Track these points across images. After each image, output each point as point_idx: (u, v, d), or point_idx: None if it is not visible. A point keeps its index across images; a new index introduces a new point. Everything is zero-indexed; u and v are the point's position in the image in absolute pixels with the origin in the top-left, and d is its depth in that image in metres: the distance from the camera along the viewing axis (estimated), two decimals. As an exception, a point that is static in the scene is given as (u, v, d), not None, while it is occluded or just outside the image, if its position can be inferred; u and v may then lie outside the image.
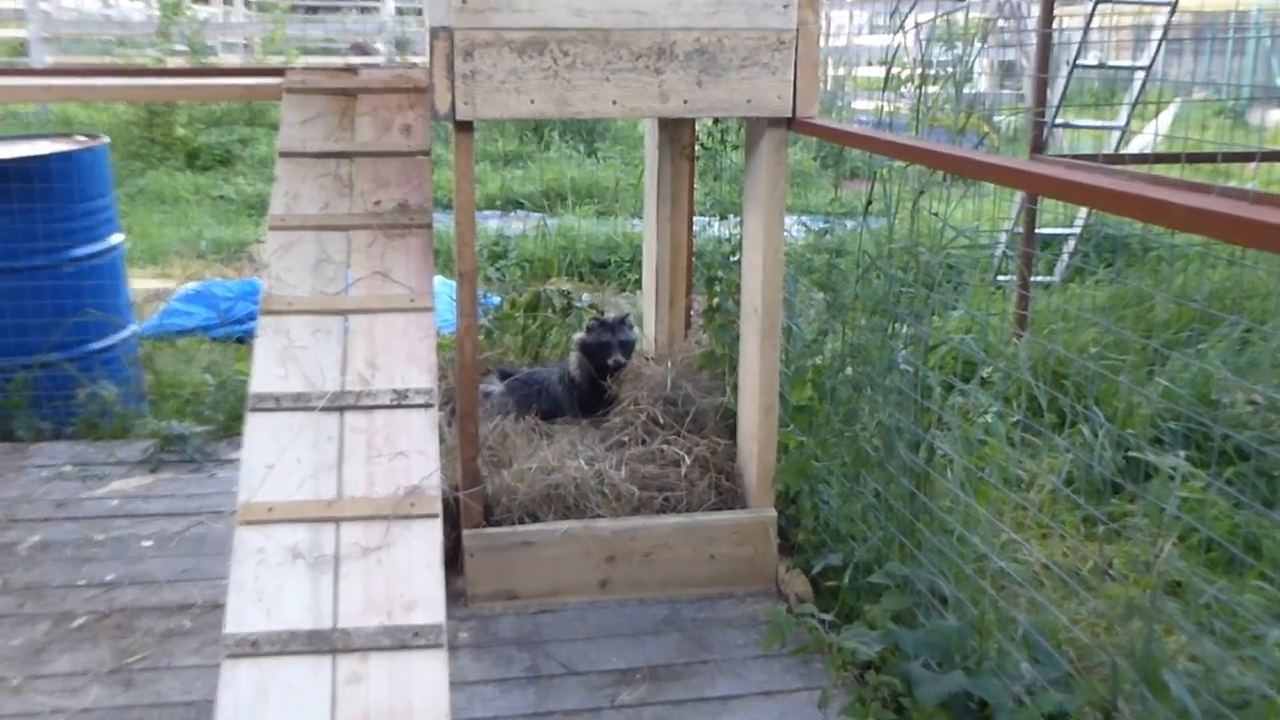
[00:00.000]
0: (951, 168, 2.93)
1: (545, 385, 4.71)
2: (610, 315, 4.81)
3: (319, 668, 2.27)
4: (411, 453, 2.70)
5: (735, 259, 4.53)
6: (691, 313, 5.04)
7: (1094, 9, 6.81)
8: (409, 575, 2.43)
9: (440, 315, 6.22)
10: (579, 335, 4.69)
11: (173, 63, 12.36)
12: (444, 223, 7.39)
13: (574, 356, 4.67)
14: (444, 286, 6.82)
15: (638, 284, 7.42)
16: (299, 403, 2.79)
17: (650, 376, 4.51)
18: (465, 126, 3.43)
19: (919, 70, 3.80)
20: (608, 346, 4.58)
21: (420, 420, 2.79)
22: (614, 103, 3.44)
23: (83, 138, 5.57)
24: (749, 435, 3.94)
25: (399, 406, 2.81)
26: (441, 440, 3.74)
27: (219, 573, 3.82)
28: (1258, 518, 3.83)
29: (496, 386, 4.74)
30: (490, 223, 9.32)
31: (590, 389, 4.60)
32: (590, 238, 8.77)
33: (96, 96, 5.33)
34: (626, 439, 4.22)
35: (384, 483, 2.62)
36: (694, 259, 4.99)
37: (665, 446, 4.13)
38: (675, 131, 4.80)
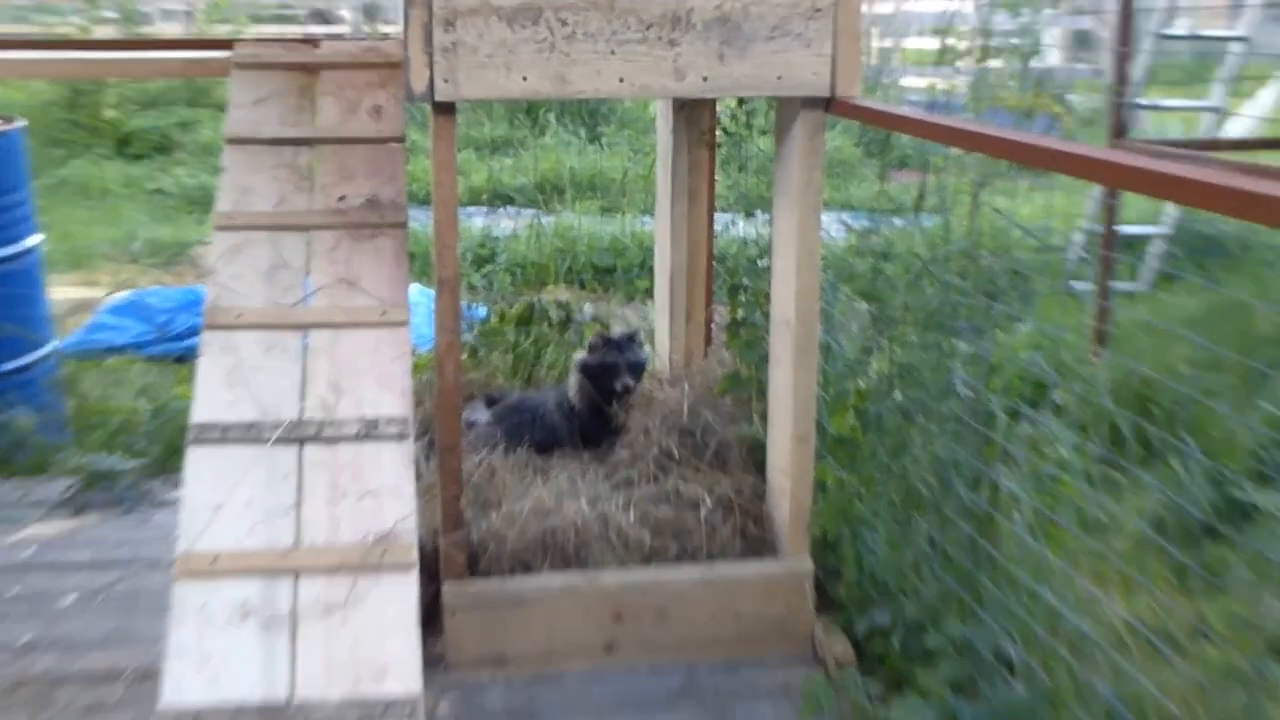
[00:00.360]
0: (1017, 156, 2.94)
1: (540, 413, 4.71)
2: (617, 331, 4.82)
3: (273, 746, 2.27)
4: (383, 492, 2.70)
5: (764, 264, 4.53)
6: (712, 327, 5.04)
7: (1184, -31, 6.84)
8: (379, 637, 2.43)
9: (417, 330, 6.21)
10: (580, 355, 4.70)
11: (100, 33, 12.41)
12: (421, 221, 7.41)
13: (574, 380, 4.67)
14: (421, 296, 6.85)
15: (649, 293, 7.42)
16: (250, 434, 2.79)
17: (663, 402, 4.51)
18: (446, 108, 3.44)
19: (979, 41, 3.82)
20: (614, 368, 4.57)
21: (393, 454, 2.79)
22: (620, 80, 3.46)
23: (-5, 121, 5.59)
24: (780, 471, 3.94)
25: (368, 438, 2.81)
26: (418, 477, 3.74)
27: (154, 634, 3.78)
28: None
29: (482, 414, 4.74)
30: (475, 221, 9.34)
31: (593, 417, 4.60)
32: (593, 238, 8.80)
33: (10, 73, 5.36)
34: (636, 476, 4.22)
35: (350, 528, 2.62)
36: (715, 264, 5.00)
37: (681, 485, 4.12)
38: (692, 114, 4.81)
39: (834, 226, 5.89)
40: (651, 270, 5.59)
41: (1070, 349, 5.36)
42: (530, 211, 9.47)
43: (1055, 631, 3.17)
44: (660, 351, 5.11)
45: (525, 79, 3.41)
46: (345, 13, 16.59)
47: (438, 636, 3.74)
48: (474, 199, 10.35)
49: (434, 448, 3.89)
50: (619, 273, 8.46)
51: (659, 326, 5.18)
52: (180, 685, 2.33)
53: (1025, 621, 3.18)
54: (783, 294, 3.83)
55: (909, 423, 3.77)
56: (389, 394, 2.92)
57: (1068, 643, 3.13)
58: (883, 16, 15.93)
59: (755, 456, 4.26)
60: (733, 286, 4.77)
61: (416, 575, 2.56)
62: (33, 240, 5.48)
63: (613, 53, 3.44)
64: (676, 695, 3.65)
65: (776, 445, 3.96)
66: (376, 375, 2.96)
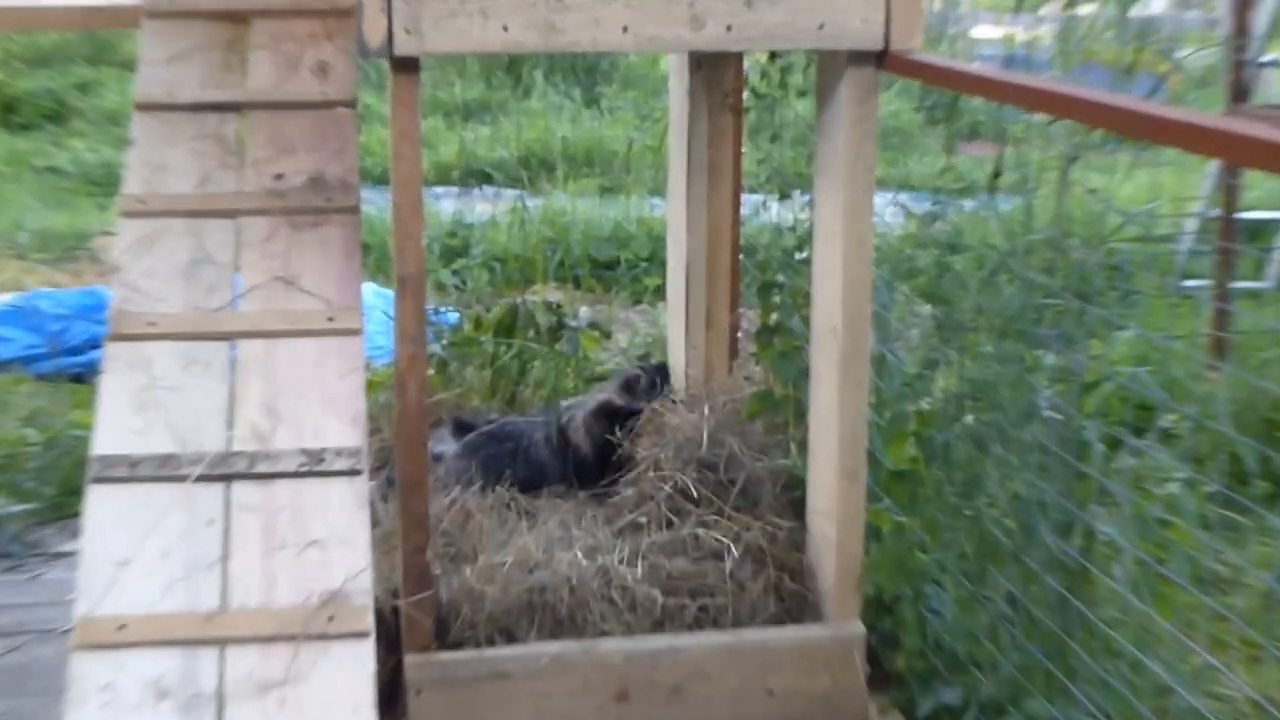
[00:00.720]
0: (1115, 125, 2.94)
1: (524, 444, 4.73)
2: (644, 365, 4.88)
3: None
4: (330, 542, 2.70)
5: (802, 257, 4.53)
6: (738, 335, 5.04)
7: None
8: (326, 722, 2.43)
9: (372, 340, 6.20)
10: (605, 395, 4.76)
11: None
12: (377, 205, 7.40)
13: (582, 419, 4.72)
14: (377, 298, 6.83)
15: (659, 293, 7.42)
16: (165, 469, 2.79)
17: (678, 428, 4.51)
18: (408, 65, 3.44)
19: (1067, -18, 3.82)
20: (638, 414, 4.66)
21: (343, 494, 2.79)
22: (624, 30, 3.46)
23: None
24: (823, 514, 3.94)
25: (312, 474, 2.81)
26: (375, 523, 3.74)
27: (47, 719, 3.80)
28: None
29: (452, 445, 4.74)
30: (445, 204, 9.34)
31: (593, 450, 4.64)
32: (590, 226, 8.79)
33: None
34: (645, 520, 4.23)
35: (290, 586, 2.62)
36: (742, 257, 5.00)
37: (701, 531, 4.13)
38: (714, 72, 4.82)
39: (889, 210, 5.89)
40: (663, 265, 5.59)
41: (1182, 362, 5.35)
42: (512, 193, 9.43)
43: (1165, 711, 3.16)
44: (674, 365, 5.11)
45: (506, 28, 3.41)
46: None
47: (399, 720, 3.75)
48: (442, 177, 10.33)
49: (394, 486, 3.89)
50: (622, 268, 8.45)
51: (672, 334, 5.18)
52: (79, 783, 2.33)
53: (1128, 700, 3.18)
54: (826, 294, 3.83)
55: (983, 454, 3.76)
56: (337, 419, 2.91)
57: (1181, 726, 3.13)
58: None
59: (792, 496, 4.27)
60: (764, 285, 4.77)
61: (372, 645, 2.55)
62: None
63: (614, -4, 3.45)
64: (695, 793, 3.65)
65: (819, 482, 3.96)
66: (322, 396, 2.96)
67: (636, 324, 7.29)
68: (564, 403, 4.99)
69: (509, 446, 4.71)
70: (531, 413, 5.08)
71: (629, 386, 4.74)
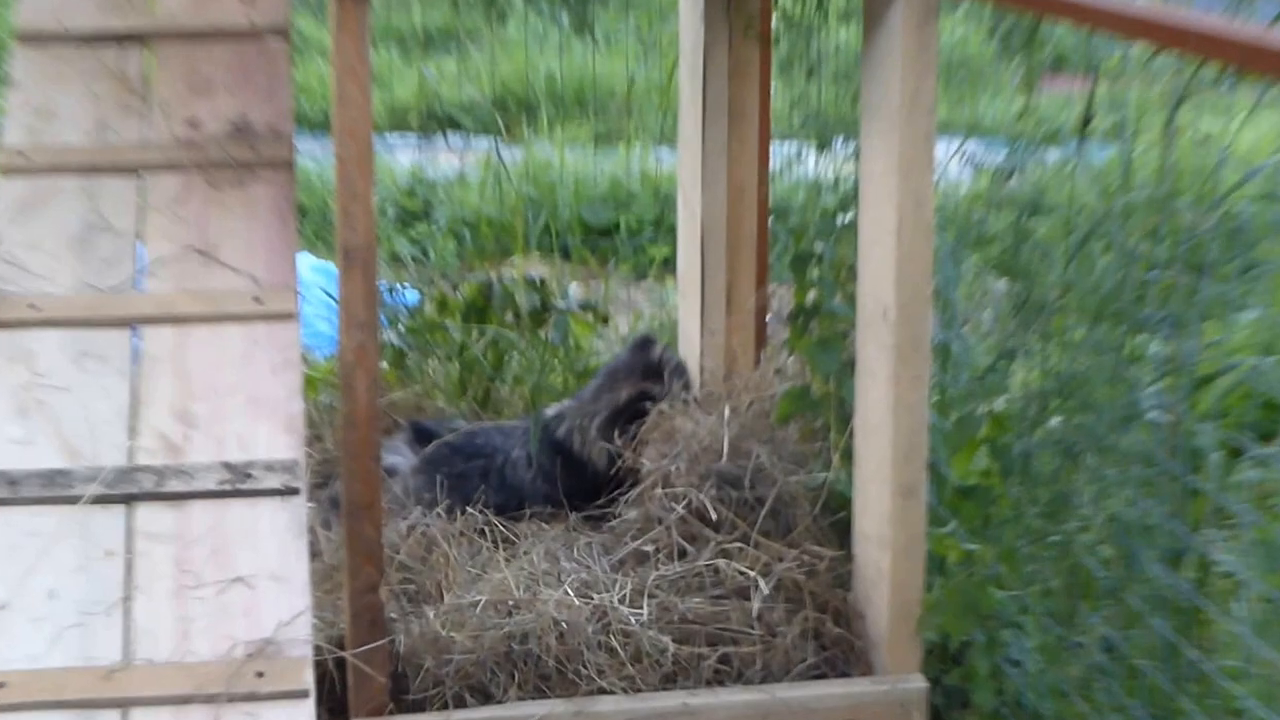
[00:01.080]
0: (1233, 58, 2.92)
1: (499, 458, 4.73)
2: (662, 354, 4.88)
3: None
4: (259, 579, 2.69)
5: (847, 220, 4.52)
6: (767, 319, 5.04)
7: None
8: (254, 803, 2.43)
9: (310, 326, 6.20)
10: (627, 389, 4.76)
11: None
12: (315, 157, 7.39)
13: (599, 426, 4.72)
14: (316, 274, 6.83)
15: (668, 266, 7.42)
16: (53, 488, 2.78)
17: (693, 435, 4.51)
18: (353, -15, 3.44)
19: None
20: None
21: (274, 519, 2.78)
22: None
23: None
24: (874, 541, 3.94)
25: (236, 494, 2.80)
26: (314, 555, 3.73)
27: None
28: None
29: (409, 457, 4.74)
30: (401, 156, 9.34)
31: (589, 465, 4.66)
32: (582, 183, 8.78)
33: None
34: (651, 549, 4.23)
35: (209, 634, 2.61)
36: (771, 221, 5.00)
37: (722, 563, 4.13)
38: (734, -9, 4.83)
39: (955, 164, 5.88)
40: (672, 231, 5.59)
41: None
42: (485, 142, 9.45)
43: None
44: (687, 356, 5.11)
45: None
46: None
47: (347, 800, 3.75)
48: (398, 123, 10.33)
49: (338, 508, 3.88)
50: (622, 235, 8.45)
51: (684, 317, 5.18)
52: None
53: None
54: (876, 267, 3.83)
55: (1072, 465, 3.76)
56: (268, 425, 2.91)
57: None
58: None
59: (835, 518, 4.27)
60: (799, 256, 4.75)
61: (312, 707, 2.54)
62: None
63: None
64: None
65: (869, 501, 3.96)
66: (249, 397, 2.96)
67: (640, 305, 7.27)
68: (550, 409, 4.97)
69: (481, 462, 4.71)
70: (511, 422, 5.08)
71: (651, 370, 4.73)
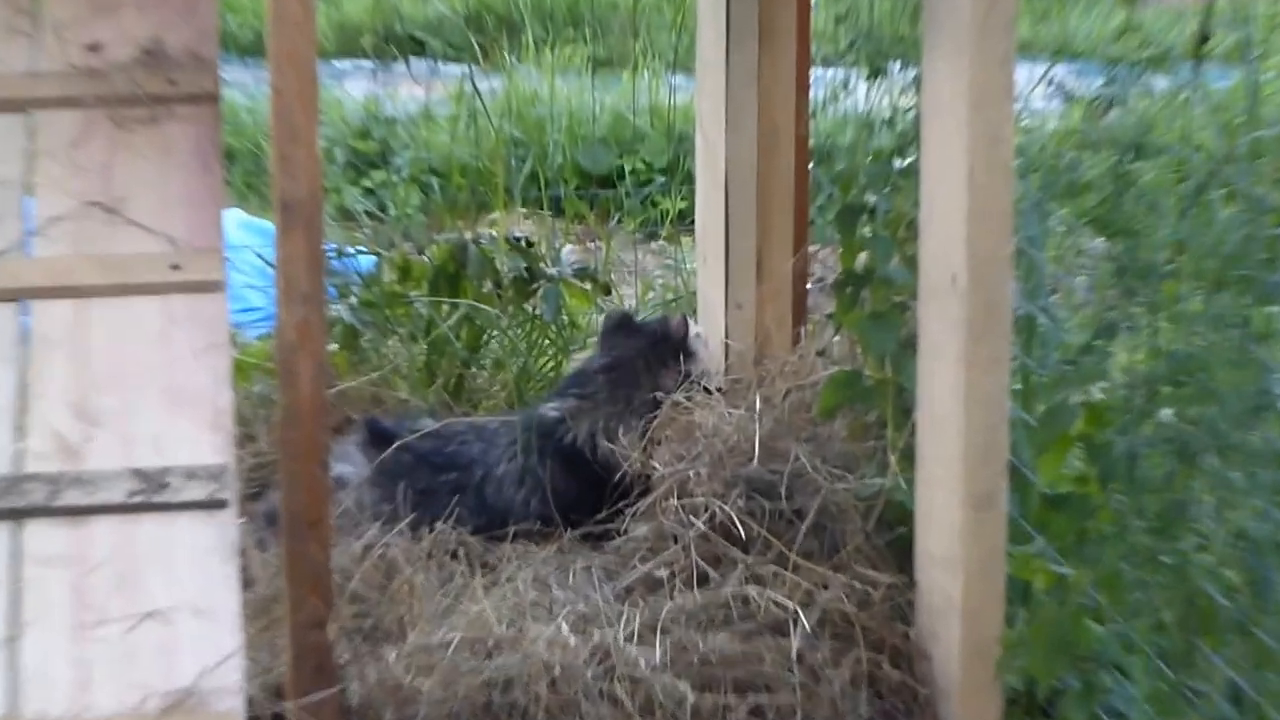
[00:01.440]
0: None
1: (478, 472, 4.73)
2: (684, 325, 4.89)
3: None
4: (178, 613, 2.69)
5: (906, 165, 4.51)
6: (808, 288, 5.03)
7: None
8: None
9: (240, 299, 6.20)
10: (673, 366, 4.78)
11: None
12: (247, 89, 7.39)
13: (609, 430, 4.74)
14: (248, 233, 6.83)
15: (685, 222, 7.42)
16: (-79, 501, 2.78)
17: (716, 432, 4.51)
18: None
19: None
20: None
21: (197, 538, 2.78)
22: None
23: None
24: (942, 563, 3.94)
25: (148, 507, 2.80)
26: (248, 584, 3.73)
27: None
28: None
29: (357, 466, 4.73)
30: (354, 87, 9.34)
31: (595, 475, 4.67)
32: (578, 120, 8.78)
33: None
34: (665, 573, 4.23)
35: (116, 681, 2.61)
36: (812, 166, 4.99)
37: (753, 590, 4.13)
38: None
39: (1038, 94, 5.87)
40: (690, 180, 5.59)
41: None
42: (456, 69, 9.45)
43: None
44: (708, 334, 5.11)
45: None
46: None
47: None
48: (348, 46, 10.35)
49: (276, 525, 3.88)
50: (627, 185, 8.45)
51: (704, 286, 5.19)
52: None
53: None
54: (943, 222, 3.82)
55: (1188, 469, 3.74)
56: (188, 423, 2.91)
57: None
58: None
59: (893, 535, 4.27)
60: (846, 209, 4.75)
61: (245, 773, 2.54)
62: None
63: None
64: None
65: (934, 513, 3.96)
66: (164, 387, 2.95)
67: (650, 271, 7.28)
68: (548, 407, 4.98)
69: (455, 475, 4.71)
70: (491, 418, 5.08)
71: (674, 350, 4.76)
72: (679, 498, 4.34)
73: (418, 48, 10.32)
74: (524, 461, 4.73)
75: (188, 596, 2.71)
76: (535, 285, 5.72)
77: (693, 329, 4.99)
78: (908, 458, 4.17)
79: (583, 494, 4.67)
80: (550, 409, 4.93)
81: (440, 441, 4.80)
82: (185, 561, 2.75)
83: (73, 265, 3.10)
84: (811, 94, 4.96)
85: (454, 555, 4.40)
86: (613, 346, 5.03)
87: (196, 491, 2.81)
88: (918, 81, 4.03)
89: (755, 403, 4.57)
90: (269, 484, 4.38)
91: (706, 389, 4.76)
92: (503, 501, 4.66)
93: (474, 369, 5.59)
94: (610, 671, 3.94)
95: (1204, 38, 3.92)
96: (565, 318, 5.82)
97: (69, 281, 3.07)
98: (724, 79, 4.89)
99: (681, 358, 4.84)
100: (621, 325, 5.04)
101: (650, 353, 4.86)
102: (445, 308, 5.65)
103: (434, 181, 7.83)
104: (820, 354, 4.77)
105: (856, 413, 4.51)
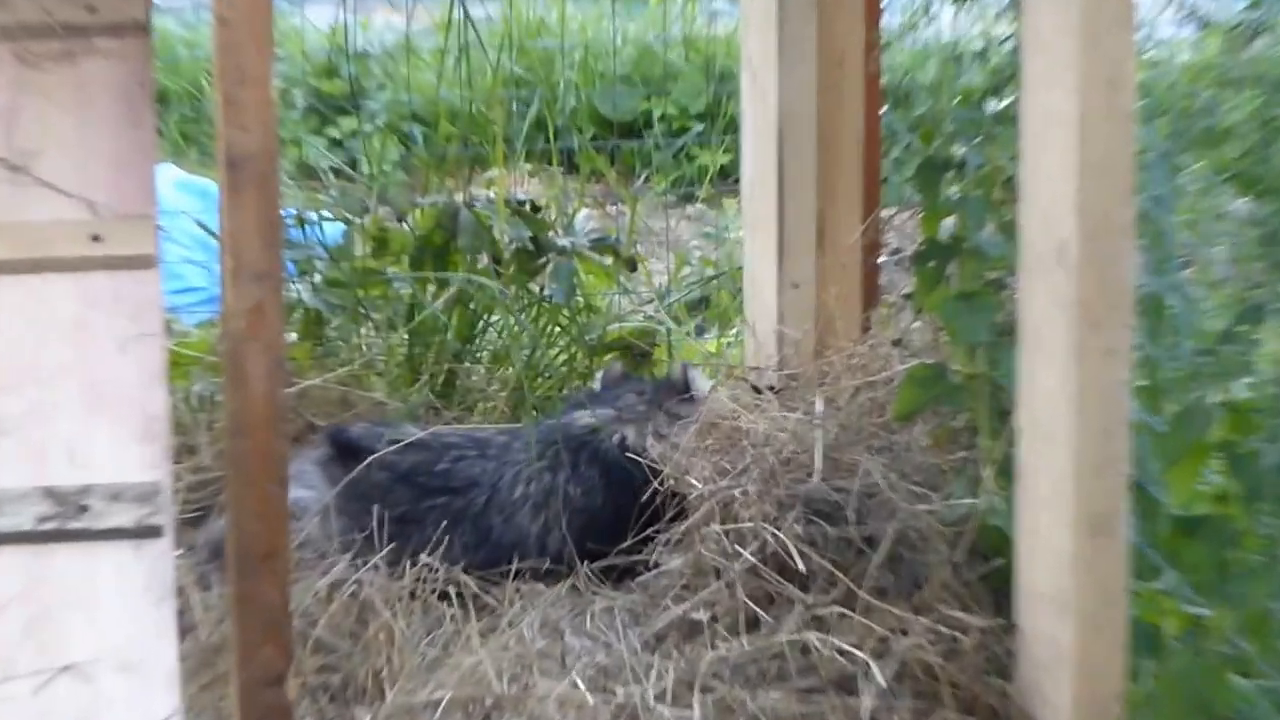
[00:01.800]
0: None
1: (479, 496, 4.74)
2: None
3: None
4: (99, 668, 2.69)
5: (1002, 107, 4.50)
6: (880, 262, 5.02)
7: None
8: None
9: (177, 276, 6.20)
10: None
11: None
12: (183, 16, 7.41)
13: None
14: (187, 194, 6.85)
15: (728, 180, 7.42)
16: None
17: (767, 440, 4.51)
18: None
19: None
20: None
21: (124, 574, 2.77)
22: None
23: None
24: (1050, 602, 3.93)
25: (63, 536, 2.80)
26: (186, 630, 3.73)
27: None
28: None
29: (318, 490, 4.72)
30: (316, 11, 9.35)
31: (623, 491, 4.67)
32: (595, 54, 8.78)
33: None
34: (706, 615, 4.23)
35: (22, 752, 2.61)
36: (885, 110, 4.98)
37: (815, 637, 4.12)
38: None
39: (1166, 17, 5.87)
40: (733, 128, 5.57)
41: None
42: (443, -11, 9.47)
43: None
44: (758, 318, 5.10)
45: None
46: None
47: None
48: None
49: (222, 558, 3.88)
50: (656, 134, 8.46)
51: (752, 260, 5.20)
52: None
53: None
54: (1048, 180, 3.81)
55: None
56: (112, 429, 2.91)
57: None
58: None
59: (987, 568, 4.26)
60: (928, 164, 4.74)
61: None
62: None
63: None
64: None
65: (1040, 541, 3.96)
66: (83, 385, 2.95)
67: (684, 242, 7.27)
68: (574, 413, 5.00)
69: (439, 506, 4.71)
70: (494, 430, 5.08)
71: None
72: (722, 522, 4.34)
73: (397, -34, 10.35)
74: (550, 481, 4.71)
75: (112, 647, 2.70)
76: (543, 259, 5.71)
77: (690, 374, 5.02)
78: (1005, 472, 4.17)
79: (622, 517, 4.66)
80: (579, 417, 4.94)
81: (426, 456, 4.79)
82: (109, 603, 2.75)
83: (-33, 236, 3.11)
84: (884, 21, 4.96)
85: (442, 595, 4.40)
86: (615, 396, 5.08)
87: (123, 516, 2.81)
88: (1016, 5, 4.02)
89: (816, 404, 4.56)
90: (213, 507, 4.38)
91: (756, 388, 4.75)
92: (513, 533, 4.64)
93: (468, 363, 5.59)
94: (642, 740, 3.95)
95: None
96: (580, 299, 5.82)
97: (-37, 256, 3.08)
98: (775, 2, 4.88)
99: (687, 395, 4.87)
100: (621, 379, 5.07)
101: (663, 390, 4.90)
102: (432, 287, 5.65)
103: (416, 131, 7.84)
104: (896, 344, 4.77)
105: (941, 416, 4.50)
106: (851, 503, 4.33)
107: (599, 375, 5.30)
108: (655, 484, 4.69)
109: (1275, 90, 4.51)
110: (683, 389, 4.85)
